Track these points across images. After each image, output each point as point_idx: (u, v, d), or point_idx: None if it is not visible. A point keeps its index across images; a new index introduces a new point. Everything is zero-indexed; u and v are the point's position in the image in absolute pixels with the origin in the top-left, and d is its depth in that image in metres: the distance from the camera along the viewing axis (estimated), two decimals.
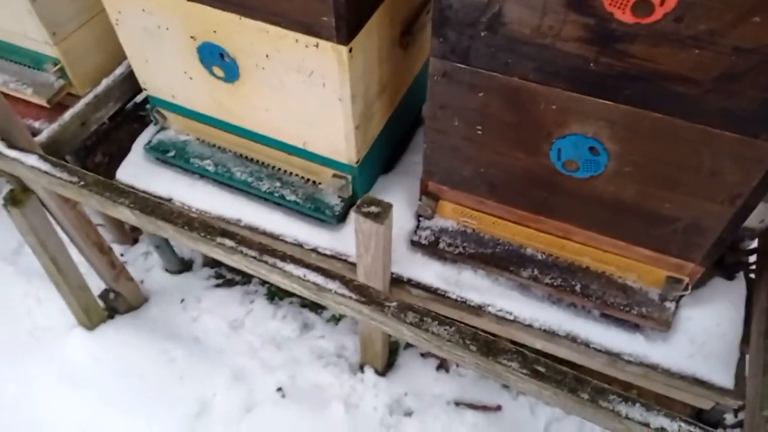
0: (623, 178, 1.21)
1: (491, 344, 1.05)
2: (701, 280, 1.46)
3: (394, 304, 1.11)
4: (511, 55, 1.09)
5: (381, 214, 1.29)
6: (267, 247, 1.16)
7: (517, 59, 1.09)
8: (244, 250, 1.15)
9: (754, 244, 1.53)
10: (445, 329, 1.07)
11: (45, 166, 1.32)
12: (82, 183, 1.29)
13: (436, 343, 1.08)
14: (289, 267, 1.14)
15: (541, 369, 0.99)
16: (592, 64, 1.03)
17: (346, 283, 1.12)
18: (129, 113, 2.01)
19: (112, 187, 1.27)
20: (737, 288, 1.51)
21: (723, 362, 1.40)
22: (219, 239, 1.17)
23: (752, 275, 1.52)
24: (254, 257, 1.15)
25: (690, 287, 1.37)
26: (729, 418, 1.90)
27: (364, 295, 1.11)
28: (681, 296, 1.41)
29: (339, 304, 1.13)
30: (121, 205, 1.24)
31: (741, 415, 1.87)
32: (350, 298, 1.10)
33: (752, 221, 1.45)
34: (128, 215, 1.25)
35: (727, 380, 1.38)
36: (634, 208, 1.26)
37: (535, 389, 1.04)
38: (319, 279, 1.13)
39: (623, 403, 0.99)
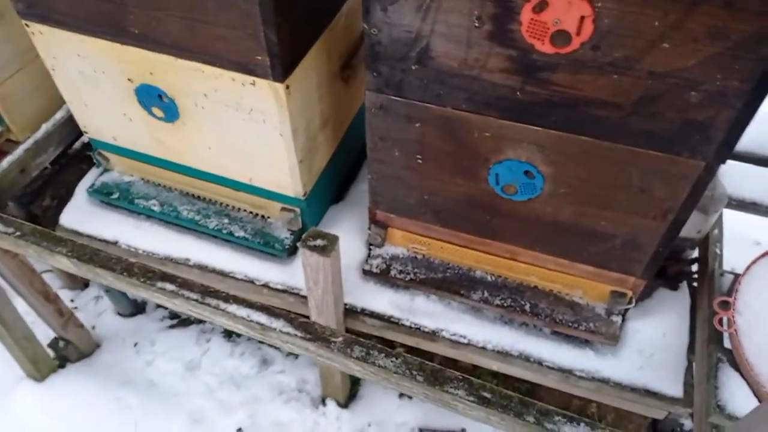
0: (559, 199, 1.24)
1: (437, 373, 1.05)
2: (646, 291, 1.50)
3: (340, 339, 1.11)
4: (442, 86, 1.11)
5: (327, 246, 1.29)
6: (209, 288, 1.15)
7: (449, 90, 1.12)
8: (186, 293, 1.14)
9: (695, 253, 1.58)
10: (391, 361, 1.08)
11: None
12: (18, 233, 1.25)
13: (384, 375, 1.08)
14: (233, 308, 1.13)
15: (487, 395, 1.00)
16: (518, 93, 1.06)
17: (291, 320, 1.12)
18: (76, 154, 1.97)
19: (49, 236, 1.24)
20: (681, 298, 1.55)
21: (672, 372, 1.43)
22: (159, 284, 1.16)
23: (695, 284, 1.57)
24: (196, 300, 1.13)
25: (634, 300, 1.41)
26: (688, 424, 1.94)
27: (309, 331, 1.11)
28: (626, 309, 1.44)
29: (285, 342, 1.12)
30: (58, 254, 1.21)
31: None
32: (295, 335, 1.10)
33: (690, 231, 1.50)
34: (67, 264, 1.22)
35: (676, 389, 1.41)
36: (572, 227, 1.29)
37: (482, 415, 1.05)
38: (263, 318, 1.12)
39: (568, 423, 1.00)
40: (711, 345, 1.32)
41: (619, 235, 1.27)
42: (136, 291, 1.18)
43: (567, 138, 1.11)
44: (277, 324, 1.11)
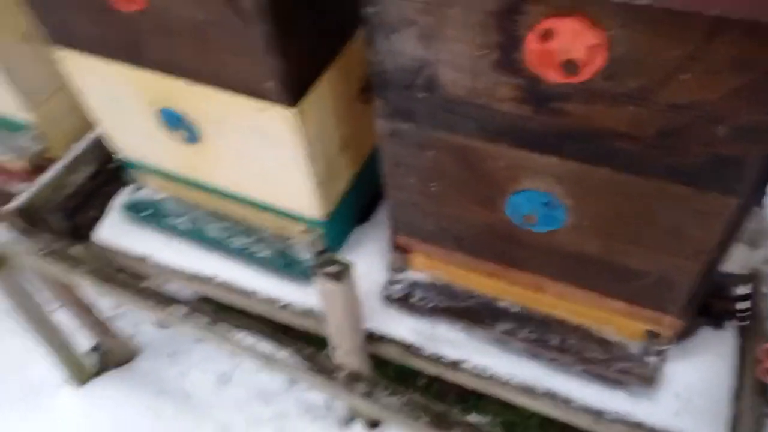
0: (583, 232, 1.16)
1: (442, 416, 1.00)
2: (689, 329, 1.38)
3: (345, 373, 1.07)
4: (452, 115, 1.06)
5: (341, 273, 1.26)
6: (219, 315, 1.14)
7: (459, 119, 1.06)
8: (196, 318, 1.14)
9: (743, 289, 1.44)
10: (395, 400, 1.03)
11: (10, 236, 1.33)
12: (43, 252, 1.29)
13: (387, 413, 1.04)
14: (240, 336, 1.12)
15: None
16: (531, 122, 0.99)
17: (297, 351, 1.09)
18: (123, 165, 2.02)
19: (69, 256, 1.27)
20: (726, 338, 1.42)
21: (712, 420, 1.31)
22: (170, 308, 1.16)
23: (742, 322, 1.43)
24: (206, 325, 1.13)
25: (672, 341, 1.30)
26: None
27: (315, 363, 1.08)
28: (663, 350, 1.33)
29: (290, 373, 1.10)
30: (78, 274, 1.24)
31: None
32: (299, 368, 1.07)
33: (736, 267, 1.38)
34: (86, 283, 1.25)
35: None
36: (599, 261, 1.20)
37: None
38: (269, 348, 1.10)
39: None
40: (755, 397, 1.20)
41: (651, 272, 1.17)
42: (150, 313, 1.19)
43: (586, 169, 1.03)
44: (283, 355, 1.09)
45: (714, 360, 1.38)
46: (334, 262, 1.27)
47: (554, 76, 0.90)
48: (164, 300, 1.18)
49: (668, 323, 1.28)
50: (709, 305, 1.41)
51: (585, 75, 0.88)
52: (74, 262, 1.26)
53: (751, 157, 0.87)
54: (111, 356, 2.02)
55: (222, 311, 1.26)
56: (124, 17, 1.18)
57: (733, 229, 1.00)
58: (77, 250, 1.34)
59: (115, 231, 1.74)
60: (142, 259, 1.68)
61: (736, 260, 1.32)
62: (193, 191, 1.65)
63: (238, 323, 1.15)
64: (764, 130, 0.82)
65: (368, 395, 1.05)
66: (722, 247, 1.05)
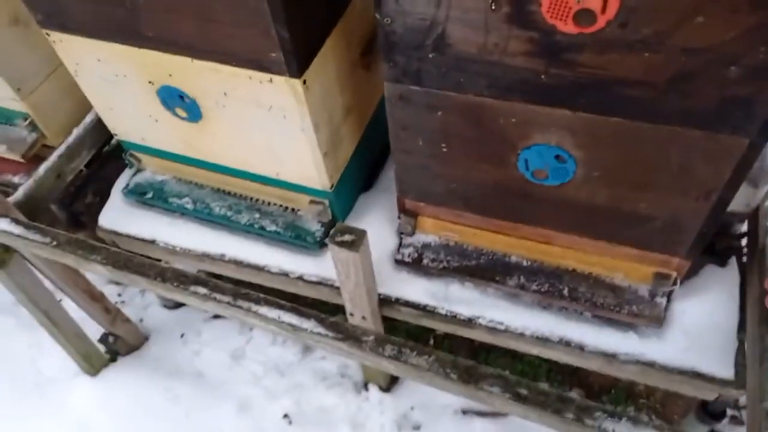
0: (594, 183, 1.18)
1: (471, 370, 1.03)
2: (693, 269, 1.43)
3: (372, 338, 1.09)
4: (462, 74, 1.07)
5: (356, 241, 1.27)
6: (240, 291, 1.15)
7: (469, 77, 1.07)
8: (218, 296, 1.15)
9: (744, 227, 1.49)
10: (424, 359, 1.06)
11: (17, 230, 1.32)
12: (55, 243, 1.29)
13: (417, 373, 1.06)
14: (264, 310, 1.13)
15: (524, 392, 0.98)
16: (543, 76, 1.01)
17: (321, 321, 1.11)
18: (114, 150, 1.99)
19: (84, 244, 1.26)
20: (730, 274, 1.47)
21: (721, 353, 1.37)
22: (192, 288, 1.17)
23: (745, 259, 1.48)
24: (228, 303, 1.14)
25: (679, 281, 1.34)
26: (743, 400, 1.87)
27: (340, 331, 1.10)
28: (671, 291, 1.38)
29: (317, 342, 1.12)
30: (93, 262, 1.23)
31: None
32: (326, 336, 1.09)
33: (738, 205, 1.42)
34: (102, 271, 1.25)
35: (726, 371, 1.35)
36: (609, 210, 1.23)
37: (520, 411, 1.03)
38: (294, 319, 1.12)
39: (609, 419, 0.97)
40: (762, 326, 1.25)
41: (660, 216, 1.20)
42: (171, 295, 1.20)
43: (598, 120, 1.05)
44: (308, 324, 1.11)
45: (719, 296, 1.43)
46: (348, 231, 1.29)
47: (568, 27, 0.91)
48: (186, 281, 1.18)
49: (676, 264, 1.32)
50: (712, 243, 1.46)
51: (599, 24, 0.89)
52: (89, 250, 1.26)
53: (763, 96, 0.89)
54: (122, 343, 2.02)
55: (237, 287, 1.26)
56: None
57: (744, 168, 1.03)
58: (84, 237, 1.33)
59: (118, 215, 1.74)
60: (150, 242, 1.67)
61: (738, 199, 1.35)
62: (194, 171, 1.64)
63: (258, 298, 1.16)
64: None
65: (396, 357, 1.07)
66: (732, 187, 1.08)
